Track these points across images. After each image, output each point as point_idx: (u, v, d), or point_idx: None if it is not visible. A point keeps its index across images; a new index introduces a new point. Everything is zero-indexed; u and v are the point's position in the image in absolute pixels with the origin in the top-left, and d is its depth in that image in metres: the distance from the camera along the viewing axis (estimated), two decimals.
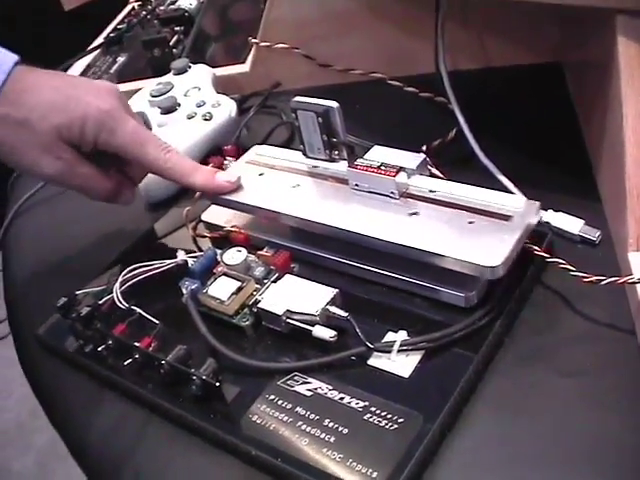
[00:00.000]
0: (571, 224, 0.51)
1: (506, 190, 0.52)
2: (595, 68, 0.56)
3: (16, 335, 0.61)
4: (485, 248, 0.44)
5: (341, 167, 0.53)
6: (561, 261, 0.46)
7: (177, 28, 0.91)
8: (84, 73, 0.91)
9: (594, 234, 0.50)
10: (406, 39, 0.73)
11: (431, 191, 0.50)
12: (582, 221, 0.51)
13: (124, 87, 0.83)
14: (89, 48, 0.96)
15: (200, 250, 0.56)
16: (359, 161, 0.51)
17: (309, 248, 0.52)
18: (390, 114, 0.71)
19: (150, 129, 0.67)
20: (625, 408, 0.40)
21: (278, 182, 0.56)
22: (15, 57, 0.54)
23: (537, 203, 0.47)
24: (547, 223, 0.52)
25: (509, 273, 0.47)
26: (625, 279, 0.43)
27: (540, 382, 0.42)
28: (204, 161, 0.62)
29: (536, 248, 0.47)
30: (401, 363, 0.44)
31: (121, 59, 0.92)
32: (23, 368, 0.58)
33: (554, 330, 0.45)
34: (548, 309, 0.47)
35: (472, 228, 0.46)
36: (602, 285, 0.44)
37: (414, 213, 0.49)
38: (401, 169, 0.49)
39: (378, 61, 0.74)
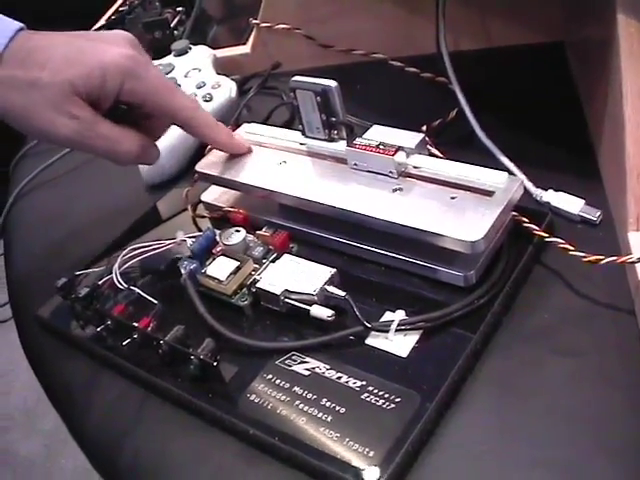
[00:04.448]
0: (572, 204, 0.51)
1: (507, 170, 0.52)
2: (596, 47, 0.55)
3: (18, 317, 0.61)
4: (467, 223, 0.44)
5: (340, 147, 0.53)
6: (560, 241, 0.46)
7: (178, 9, 0.91)
8: None
9: (595, 214, 0.50)
10: (407, 20, 0.73)
11: (415, 167, 0.49)
12: (583, 201, 0.51)
13: None
14: (91, 30, 0.95)
15: (199, 230, 0.56)
16: (358, 140, 0.51)
17: (308, 228, 0.52)
18: (391, 94, 0.71)
19: None
20: (624, 387, 0.40)
21: (266, 159, 0.56)
22: (19, 24, 0.49)
23: (520, 179, 0.47)
24: (547, 203, 0.52)
25: (508, 253, 0.47)
26: (624, 259, 0.43)
27: (539, 361, 0.42)
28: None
29: (536, 228, 0.47)
30: (399, 343, 0.44)
31: None
32: (24, 349, 0.58)
33: (553, 310, 0.45)
34: (547, 289, 0.47)
35: (455, 203, 0.46)
36: (602, 265, 0.44)
37: (399, 189, 0.49)
38: (400, 148, 0.49)
39: (379, 42, 0.73)
